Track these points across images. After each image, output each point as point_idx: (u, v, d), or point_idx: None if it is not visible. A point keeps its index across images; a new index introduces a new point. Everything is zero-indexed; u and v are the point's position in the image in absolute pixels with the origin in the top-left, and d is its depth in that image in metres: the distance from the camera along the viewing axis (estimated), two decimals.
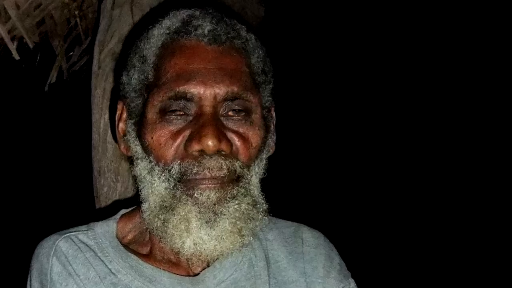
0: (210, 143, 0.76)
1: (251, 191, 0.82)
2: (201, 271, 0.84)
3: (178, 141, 0.80)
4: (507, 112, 4.21)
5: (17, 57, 1.39)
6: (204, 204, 0.78)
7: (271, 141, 0.89)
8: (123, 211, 0.92)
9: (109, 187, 1.25)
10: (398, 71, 4.16)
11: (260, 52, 0.87)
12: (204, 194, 0.78)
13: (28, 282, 0.87)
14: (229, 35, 0.83)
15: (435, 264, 3.97)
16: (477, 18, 3.75)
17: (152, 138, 0.81)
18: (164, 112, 0.80)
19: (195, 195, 0.78)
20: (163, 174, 0.80)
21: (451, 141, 4.41)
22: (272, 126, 0.91)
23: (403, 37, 3.92)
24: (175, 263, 0.85)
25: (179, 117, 0.80)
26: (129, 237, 0.89)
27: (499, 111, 4.28)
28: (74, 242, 0.86)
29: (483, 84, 4.22)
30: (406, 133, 4.36)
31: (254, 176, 0.82)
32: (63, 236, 0.86)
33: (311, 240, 0.91)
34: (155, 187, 0.81)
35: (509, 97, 4.16)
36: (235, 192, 0.80)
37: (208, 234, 0.78)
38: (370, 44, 3.97)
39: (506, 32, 3.78)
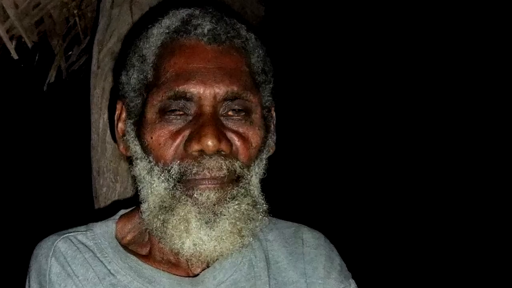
0: (209, 143, 0.76)
1: (251, 192, 0.81)
2: (200, 272, 0.84)
3: (178, 141, 0.79)
4: (507, 112, 4.21)
5: (15, 56, 1.39)
6: (204, 205, 0.78)
7: (271, 141, 0.89)
8: (122, 212, 0.92)
9: (108, 187, 1.25)
10: (398, 71, 4.16)
11: (260, 51, 0.86)
12: (203, 195, 0.78)
13: (27, 283, 0.87)
14: (229, 35, 0.82)
15: (435, 264, 3.97)
16: (477, 18, 3.75)
17: (151, 138, 0.80)
18: (164, 112, 0.80)
19: (195, 195, 0.78)
20: (162, 174, 0.79)
21: (451, 141, 4.41)
22: (272, 126, 0.90)
23: (403, 37, 3.91)
24: (175, 264, 0.85)
25: (178, 117, 0.80)
26: (129, 237, 0.89)
27: (499, 111, 4.28)
28: (73, 242, 0.85)
29: (483, 84, 4.22)
30: (406, 133, 4.36)
31: (254, 176, 0.82)
32: (62, 237, 0.86)
33: (312, 241, 0.91)
34: (155, 187, 0.80)
35: (509, 97, 4.16)
36: (235, 192, 0.79)
37: (208, 235, 0.78)
38: (370, 44, 3.97)
39: (506, 32, 3.78)
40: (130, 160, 0.87)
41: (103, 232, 0.87)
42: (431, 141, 4.44)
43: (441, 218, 4.27)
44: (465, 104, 4.28)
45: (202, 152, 0.77)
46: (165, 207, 0.79)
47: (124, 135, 0.88)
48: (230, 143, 0.79)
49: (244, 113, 0.81)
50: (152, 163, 0.81)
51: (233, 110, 0.80)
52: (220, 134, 0.77)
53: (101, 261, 0.84)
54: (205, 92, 0.78)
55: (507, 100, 4.18)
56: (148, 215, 0.81)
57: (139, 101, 0.84)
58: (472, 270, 3.81)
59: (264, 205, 0.83)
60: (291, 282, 0.86)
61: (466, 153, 4.40)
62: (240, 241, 0.79)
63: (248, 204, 0.80)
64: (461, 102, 4.28)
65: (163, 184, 0.79)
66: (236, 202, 0.79)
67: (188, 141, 0.78)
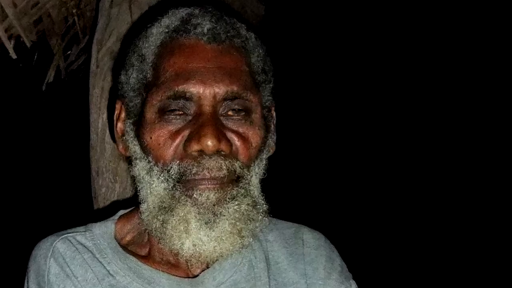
0: (209, 143, 0.76)
1: (251, 192, 0.81)
2: (200, 273, 0.84)
3: (177, 141, 0.79)
4: (507, 112, 4.21)
5: (14, 56, 1.38)
6: (204, 205, 0.77)
7: (271, 141, 0.88)
8: (121, 212, 0.92)
9: (107, 187, 1.24)
10: (398, 71, 4.16)
11: (260, 51, 0.86)
12: (203, 195, 0.77)
13: (26, 284, 0.86)
14: (228, 34, 0.82)
15: (435, 264, 3.97)
16: (477, 18, 3.75)
17: (151, 138, 0.80)
18: (163, 112, 0.79)
19: (194, 195, 0.77)
20: (162, 175, 0.79)
21: (451, 141, 4.41)
22: (272, 126, 0.90)
23: (403, 37, 3.91)
24: (174, 265, 0.84)
25: (178, 117, 0.79)
26: (128, 238, 0.88)
27: (499, 111, 4.28)
28: (71, 243, 0.85)
29: (483, 84, 4.22)
30: (406, 133, 4.36)
31: (254, 176, 0.82)
32: (60, 237, 0.86)
33: (312, 241, 0.91)
34: (154, 188, 0.80)
35: (509, 97, 4.16)
36: (234, 192, 0.79)
37: (208, 235, 0.77)
38: (371, 43, 3.97)
39: (506, 32, 3.78)
40: (129, 160, 0.87)
41: (102, 232, 0.87)
42: (431, 141, 4.44)
43: (441, 218, 4.27)
44: (465, 104, 4.28)
45: (201, 152, 0.77)
46: (165, 207, 0.79)
47: (123, 135, 0.88)
48: (230, 143, 0.78)
49: (244, 113, 0.80)
50: (151, 163, 0.80)
51: (233, 110, 0.80)
52: (220, 134, 0.77)
53: (100, 262, 0.83)
54: (205, 91, 0.78)
55: (507, 100, 4.18)
56: (148, 215, 0.81)
57: (139, 100, 0.84)
58: (472, 270, 3.81)
59: (264, 206, 0.83)
60: (291, 283, 0.86)
61: (465, 153, 4.40)
62: (240, 241, 0.79)
63: (248, 204, 0.80)
64: (461, 102, 4.28)
65: (162, 184, 0.79)
66: (236, 203, 0.79)
67: (188, 141, 0.78)
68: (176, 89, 0.78)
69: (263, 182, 0.84)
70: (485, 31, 3.88)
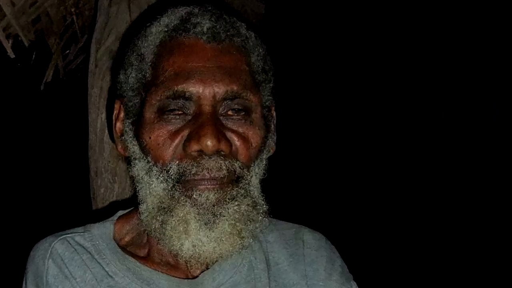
0: (209, 143, 0.75)
1: (251, 192, 0.80)
2: (200, 274, 0.83)
3: (177, 141, 0.78)
4: (507, 112, 4.21)
5: (12, 55, 1.38)
6: (203, 205, 0.77)
7: (272, 141, 0.88)
8: (120, 213, 0.91)
9: (106, 188, 1.24)
10: (398, 70, 4.16)
11: (260, 50, 0.86)
12: (203, 195, 0.77)
13: (24, 285, 0.86)
14: (228, 33, 0.82)
15: (435, 265, 3.97)
16: (477, 18, 3.75)
17: (150, 138, 0.80)
18: (162, 112, 0.79)
19: (194, 196, 0.77)
20: (161, 175, 0.79)
21: (451, 141, 4.41)
22: (273, 126, 0.90)
23: (403, 37, 3.91)
24: (174, 266, 0.84)
25: (177, 117, 0.79)
26: (127, 239, 0.88)
27: (499, 111, 4.28)
28: (70, 244, 0.84)
29: (483, 84, 4.22)
30: (406, 133, 4.36)
31: (254, 176, 0.81)
32: (59, 238, 0.85)
33: (312, 242, 0.90)
34: (153, 188, 0.79)
35: (509, 98, 4.17)
36: (234, 193, 0.78)
37: (207, 236, 0.77)
38: (371, 42, 3.97)
39: (506, 32, 3.78)
40: (128, 161, 0.86)
41: (101, 233, 0.87)
42: (430, 141, 4.44)
43: (441, 218, 4.27)
44: (465, 105, 4.29)
45: (201, 152, 0.76)
46: (164, 208, 0.78)
47: (122, 135, 0.87)
48: (229, 143, 0.78)
49: (244, 113, 0.80)
50: (150, 164, 0.80)
51: (233, 109, 0.79)
52: (220, 134, 0.76)
53: (99, 263, 0.83)
54: (205, 91, 0.77)
55: (507, 100, 4.19)
56: (147, 216, 0.80)
57: (138, 100, 0.83)
58: (472, 270, 3.81)
59: (264, 206, 0.82)
60: (292, 284, 0.85)
61: (465, 153, 4.41)
62: (239, 242, 0.78)
63: (248, 205, 0.79)
64: (461, 103, 4.28)
65: (161, 184, 0.79)
66: (236, 203, 0.78)
67: (187, 141, 0.77)
68: (176, 88, 0.78)
69: (263, 182, 0.84)
70: (485, 31, 3.88)
